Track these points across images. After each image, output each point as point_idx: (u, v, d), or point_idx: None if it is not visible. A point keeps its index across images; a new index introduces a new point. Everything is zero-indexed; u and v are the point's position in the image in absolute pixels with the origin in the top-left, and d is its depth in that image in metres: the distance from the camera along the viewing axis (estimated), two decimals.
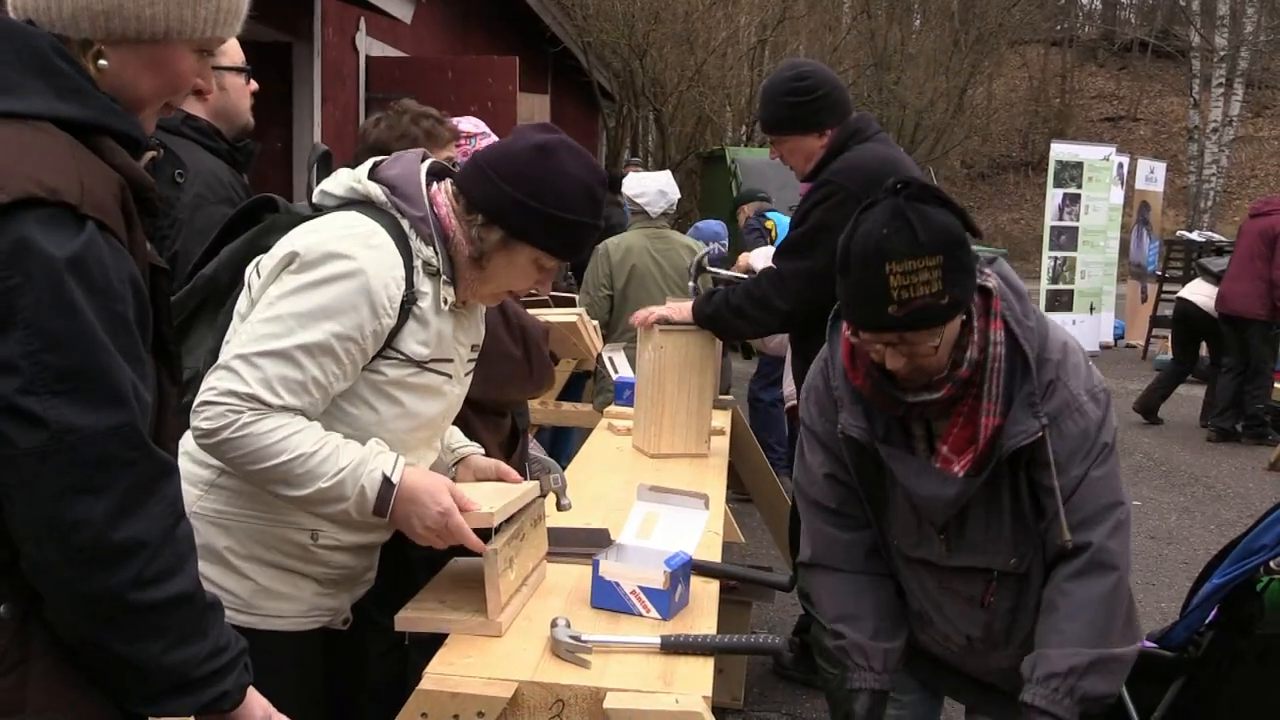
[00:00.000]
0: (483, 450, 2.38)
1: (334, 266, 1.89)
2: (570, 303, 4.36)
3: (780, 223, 7.88)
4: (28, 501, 1.22)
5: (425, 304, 2.00)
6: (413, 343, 2.00)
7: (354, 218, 1.98)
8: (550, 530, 2.40)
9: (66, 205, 1.21)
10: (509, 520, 2.13)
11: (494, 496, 2.12)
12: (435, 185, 2.07)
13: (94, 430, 1.22)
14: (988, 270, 2.16)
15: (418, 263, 1.99)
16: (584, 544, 2.47)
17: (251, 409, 1.84)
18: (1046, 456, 2.10)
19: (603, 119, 18.60)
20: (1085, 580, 2.12)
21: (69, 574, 1.26)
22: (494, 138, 4.12)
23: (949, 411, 2.14)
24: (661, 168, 16.10)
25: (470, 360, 2.22)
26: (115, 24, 1.34)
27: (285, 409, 1.87)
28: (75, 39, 1.34)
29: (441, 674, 1.92)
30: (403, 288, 1.95)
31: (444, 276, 2.02)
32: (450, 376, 2.11)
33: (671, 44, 17.36)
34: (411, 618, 2.10)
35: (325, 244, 1.92)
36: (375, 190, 2.01)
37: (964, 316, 2.07)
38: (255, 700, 1.50)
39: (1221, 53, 24.50)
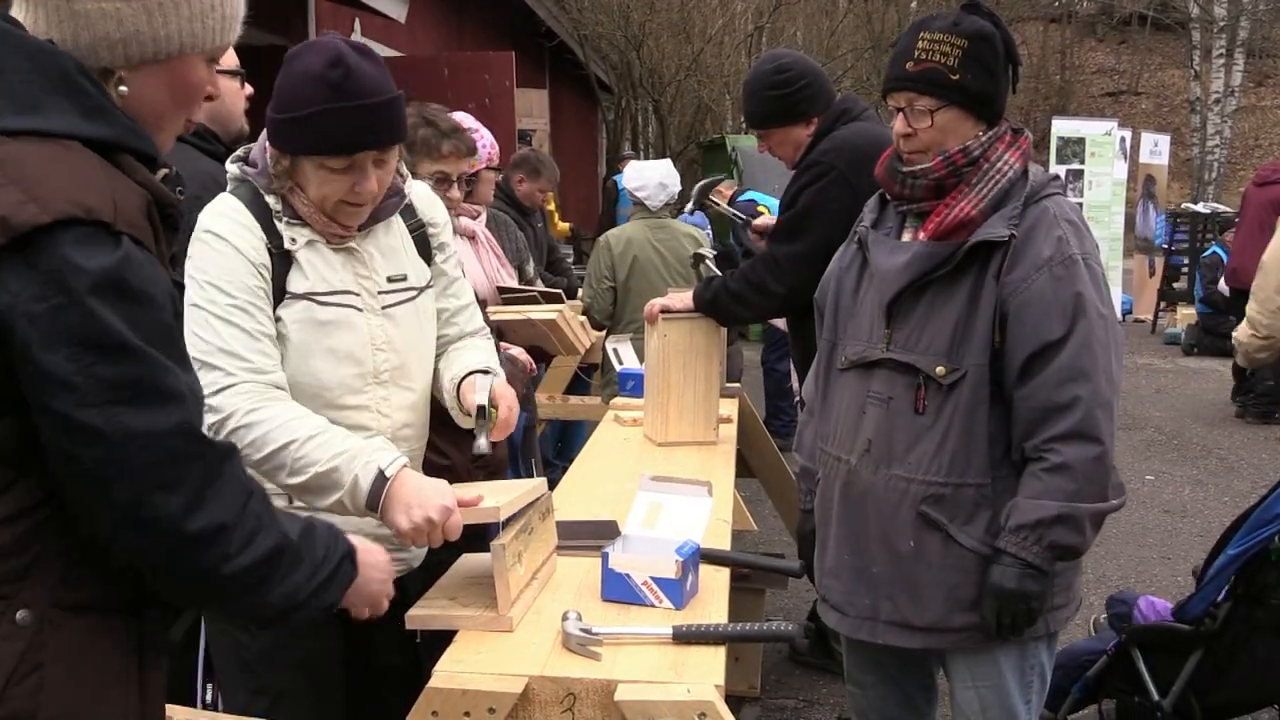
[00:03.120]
0: (501, 375, 2.36)
1: (204, 244, 2.11)
2: (558, 298, 4.36)
3: (774, 209, 7.76)
4: (107, 508, 1.29)
5: (294, 246, 2.15)
6: (295, 281, 2.15)
7: (217, 200, 2.19)
8: (558, 524, 2.39)
9: (102, 223, 1.25)
10: (516, 515, 2.12)
11: (500, 493, 2.11)
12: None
13: (155, 432, 1.28)
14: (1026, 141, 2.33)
15: (274, 213, 2.15)
16: (592, 536, 2.46)
17: (240, 398, 2.00)
18: (1017, 275, 2.20)
19: (602, 111, 18.59)
20: (1071, 445, 2.18)
21: (163, 566, 1.36)
22: (484, 133, 4.15)
23: (936, 206, 2.30)
24: (662, 158, 16.09)
25: (396, 291, 2.27)
26: (133, 49, 1.39)
27: (252, 372, 2.03)
28: (95, 68, 1.37)
29: (452, 671, 1.91)
30: (264, 238, 2.13)
31: (286, 219, 2.15)
32: (359, 309, 2.20)
33: (668, 34, 17.34)
34: (421, 615, 2.09)
35: (198, 231, 2.13)
36: (233, 169, 2.22)
37: (980, 128, 2.28)
38: (369, 573, 1.65)
39: (1221, 23, 24.40)
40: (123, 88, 1.39)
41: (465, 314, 2.48)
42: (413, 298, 2.31)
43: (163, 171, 1.41)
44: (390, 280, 2.27)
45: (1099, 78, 34.54)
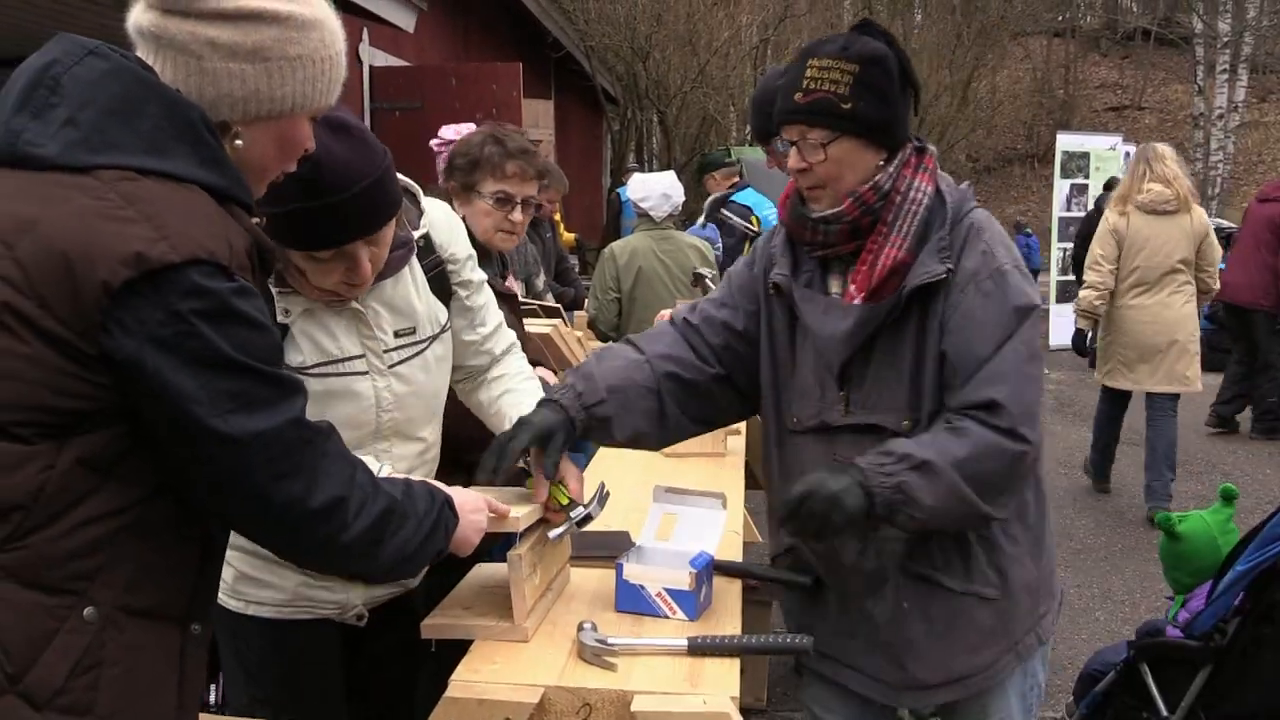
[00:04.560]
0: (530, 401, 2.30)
1: None
2: (555, 312, 4.37)
3: (766, 221, 7.47)
4: (241, 498, 1.46)
5: (287, 319, 2.09)
6: (288, 354, 2.06)
7: None
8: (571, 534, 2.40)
9: (220, 265, 1.39)
10: (531, 526, 2.14)
11: (518, 501, 2.11)
12: None
13: (273, 428, 1.45)
14: (930, 158, 2.19)
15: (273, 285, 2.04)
16: (605, 547, 2.47)
17: None
18: (949, 301, 2.08)
19: (607, 122, 18.63)
20: (980, 424, 2.03)
21: (289, 542, 1.57)
22: None
23: (858, 252, 2.15)
24: (666, 169, 16.09)
25: (405, 347, 2.20)
26: (252, 107, 1.52)
27: None
28: (214, 121, 1.48)
29: (469, 681, 1.92)
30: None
31: (276, 290, 2.05)
32: (364, 373, 2.14)
33: (674, 46, 17.38)
34: (437, 624, 2.10)
35: None
36: None
37: (881, 156, 2.13)
38: (468, 516, 1.87)
39: (1225, 38, 24.44)
40: (239, 141, 1.52)
41: (495, 337, 2.47)
42: (422, 350, 2.25)
43: (256, 220, 1.54)
44: (398, 335, 2.20)
45: (1102, 92, 34.60)
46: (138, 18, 1.50)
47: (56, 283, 1.33)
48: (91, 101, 1.40)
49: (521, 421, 2.13)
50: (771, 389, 2.31)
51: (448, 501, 1.80)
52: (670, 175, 5.89)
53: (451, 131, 3.89)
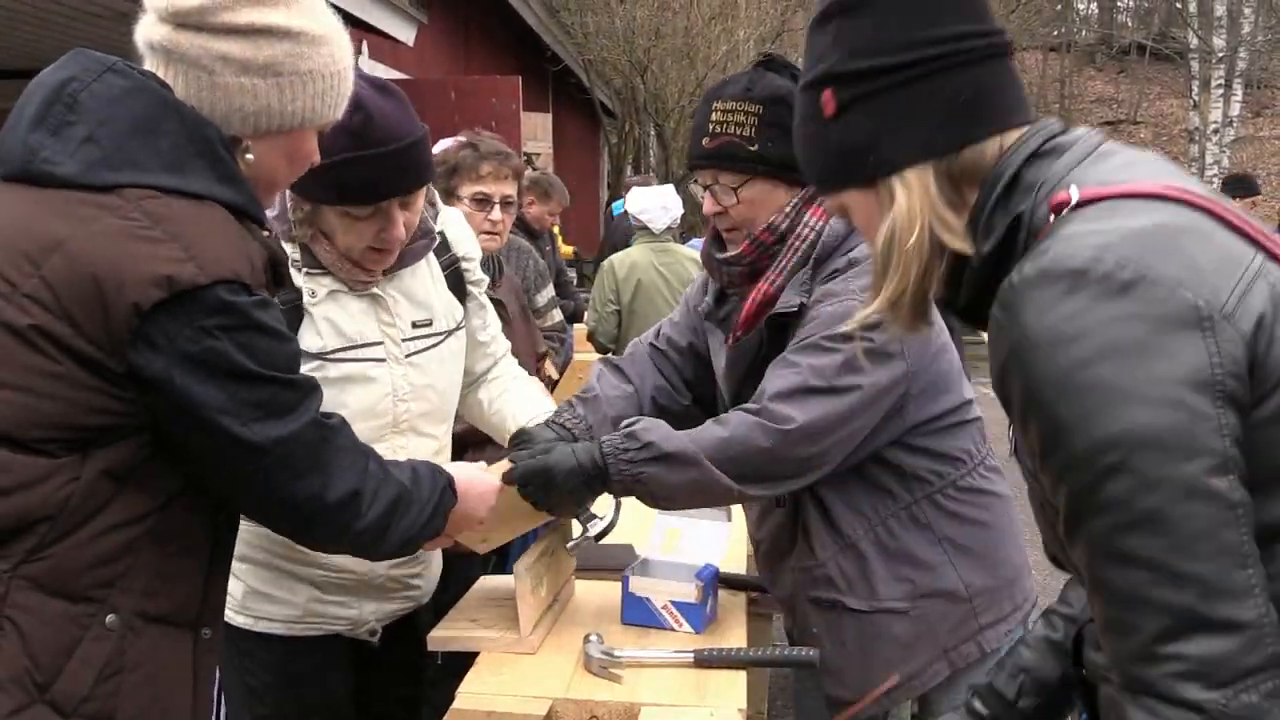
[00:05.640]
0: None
1: None
2: (558, 334, 4.39)
3: None
4: (263, 496, 1.54)
5: (313, 300, 2.09)
6: (307, 338, 2.06)
7: None
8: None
9: (243, 283, 1.42)
10: (538, 539, 2.15)
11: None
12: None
13: (292, 432, 1.50)
14: None
15: (293, 264, 2.07)
16: (610, 560, 2.47)
17: None
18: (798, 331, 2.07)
19: (605, 135, 18.67)
20: (744, 416, 2.02)
21: (313, 533, 1.66)
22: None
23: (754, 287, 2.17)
24: (665, 183, 16.11)
25: (422, 338, 2.21)
26: (262, 121, 1.52)
27: None
28: (226, 136, 1.50)
29: (476, 693, 1.92)
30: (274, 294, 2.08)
31: (305, 270, 2.09)
32: (382, 360, 2.14)
33: (672, 60, 17.43)
34: (444, 637, 2.10)
35: None
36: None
37: (795, 193, 2.11)
38: (467, 496, 1.89)
39: (1220, 54, 24.54)
40: (249, 155, 1.53)
41: (498, 340, 2.48)
42: (438, 343, 2.25)
43: (265, 232, 1.55)
44: (415, 326, 2.21)
45: (1098, 107, 34.71)
46: (148, 32, 1.50)
47: (86, 303, 1.34)
48: (111, 119, 1.41)
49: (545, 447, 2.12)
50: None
51: (449, 483, 1.85)
52: (669, 189, 5.92)
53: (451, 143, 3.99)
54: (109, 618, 1.40)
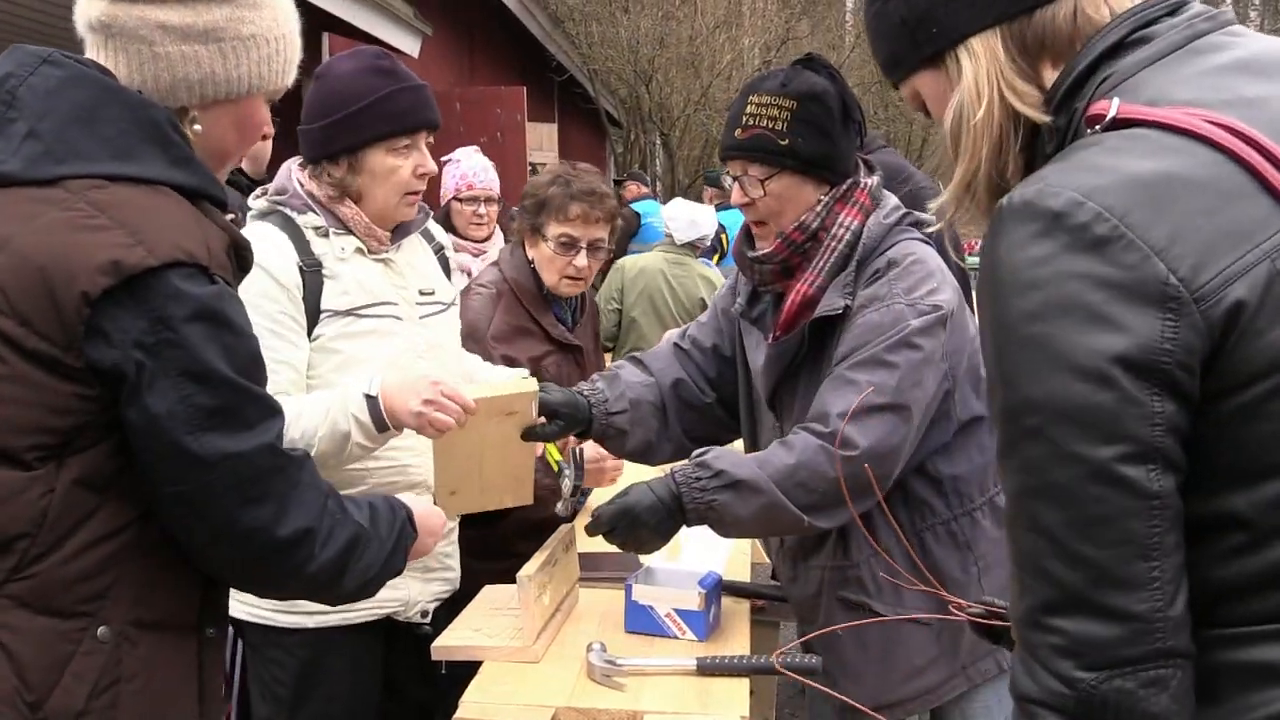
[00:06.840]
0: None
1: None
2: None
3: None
4: (205, 520, 1.40)
5: (331, 262, 2.24)
6: (334, 296, 2.23)
7: (248, 227, 2.29)
8: (579, 556, 2.41)
9: (200, 267, 1.36)
10: (541, 547, 2.16)
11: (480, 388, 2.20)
12: (305, 169, 2.33)
13: (244, 452, 1.39)
14: (872, 179, 2.22)
15: (308, 233, 2.25)
16: (613, 568, 2.48)
17: None
18: (844, 337, 2.10)
19: (610, 145, 18.69)
20: (810, 439, 2.03)
21: (256, 572, 1.49)
22: (464, 160, 4.21)
23: (789, 288, 2.20)
24: (670, 191, 16.16)
25: (429, 304, 2.40)
26: (208, 89, 1.49)
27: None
28: (174, 109, 1.47)
29: (480, 701, 1.93)
30: (296, 258, 2.20)
31: (333, 231, 2.26)
32: (399, 318, 2.31)
33: (677, 68, 17.43)
34: (448, 646, 2.11)
35: None
36: (259, 203, 2.33)
37: (822, 190, 2.16)
38: (425, 527, 1.76)
39: None
40: (197, 126, 1.49)
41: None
42: (442, 311, 2.42)
43: (230, 216, 1.51)
44: (422, 293, 2.38)
45: None
46: (86, 10, 1.48)
47: (36, 299, 1.31)
48: (51, 111, 1.38)
49: (544, 386, 2.24)
50: (748, 415, 2.39)
51: (408, 518, 1.73)
52: (709, 210, 5.98)
53: (460, 153, 4.13)
54: (100, 630, 1.37)
